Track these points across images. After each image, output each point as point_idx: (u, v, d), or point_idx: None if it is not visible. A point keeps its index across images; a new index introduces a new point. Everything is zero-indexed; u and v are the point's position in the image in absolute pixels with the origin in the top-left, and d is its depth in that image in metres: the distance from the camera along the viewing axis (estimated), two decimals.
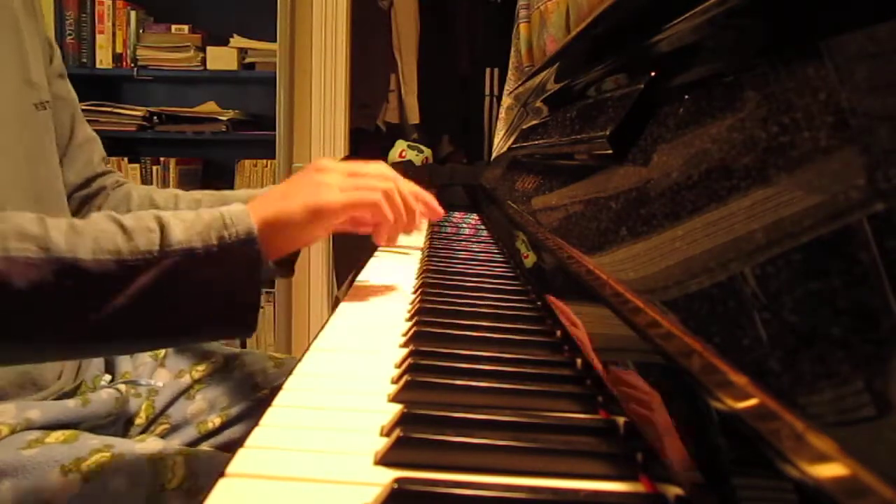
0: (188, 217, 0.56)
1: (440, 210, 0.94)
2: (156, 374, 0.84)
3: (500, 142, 1.80)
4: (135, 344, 0.63)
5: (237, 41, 2.45)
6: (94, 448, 0.61)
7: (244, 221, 0.56)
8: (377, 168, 0.69)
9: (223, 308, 0.56)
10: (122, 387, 0.77)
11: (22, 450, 0.60)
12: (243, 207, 0.57)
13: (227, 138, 2.46)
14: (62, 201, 0.78)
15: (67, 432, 0.64)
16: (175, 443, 0.79)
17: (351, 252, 1.77)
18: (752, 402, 0.24)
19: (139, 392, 0.81)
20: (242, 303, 0.56)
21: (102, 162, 0.92)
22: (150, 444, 0.64)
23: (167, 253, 0.53)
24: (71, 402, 0.70)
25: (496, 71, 2.63)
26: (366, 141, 2.45)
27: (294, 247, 0.63)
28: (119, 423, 0.77)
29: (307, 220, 0.59)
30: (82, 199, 0.88)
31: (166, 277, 0.53)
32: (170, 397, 0.82)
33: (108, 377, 0.81)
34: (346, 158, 2.26)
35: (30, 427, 0.65)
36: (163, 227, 0.54)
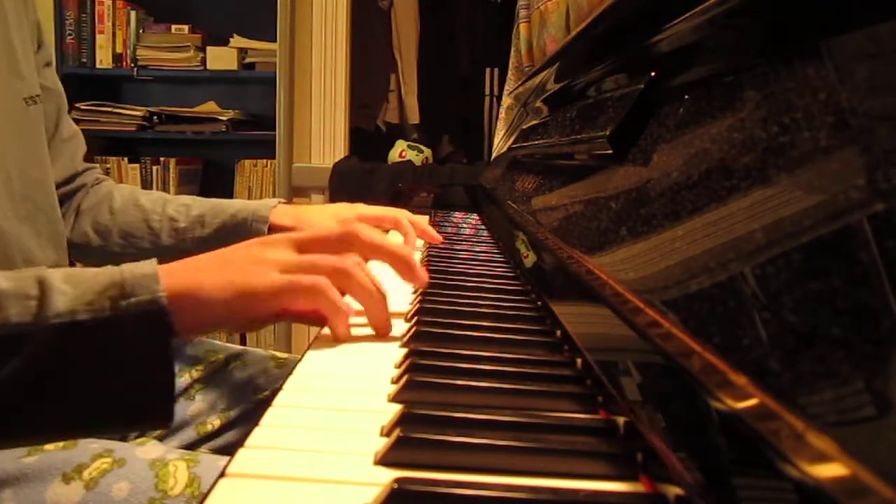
0: (83, 278, 0.46)
1: (434, 235, 0.92)
2: None
3: (500, 142, 1.80)
4: (14, 441, 0.52)
5: (237, 41, 2.45)
6: (95, 453, 0.60)
7: (149, 288, 0.45)
8: (332, 232, 0.57)
9: (122, 396, 0.46)
10: None
11: (22, 458, 0.60)
12: (152, 270, 0.47)
13: (227, 138, 2.46)
14: (53, 201, 0.76)
15: None
16: (173, 444, 0.79)
17: None
18: (752, 402, 0.24)
19: None
20: (148, 388, 0.46)
21: (82, 159, 0.91)
22: (150, 449, 0.63)
23: (44, 327, 0.43)
24: None
25: (496, 71, 2.63)
26: (366, 141, 2.45)
27: (210, 330, 0.53)
28: None
29: (227, 302, 0.48)
30: (62, 197, 0.86)
31: (43, 356, 0.43)
32: None
33: None
34: (348, 157, 2.26)
35: None
36: (43, 293, 0.44)
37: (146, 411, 0.48)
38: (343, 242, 0.56)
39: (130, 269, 0.46)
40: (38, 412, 0.45)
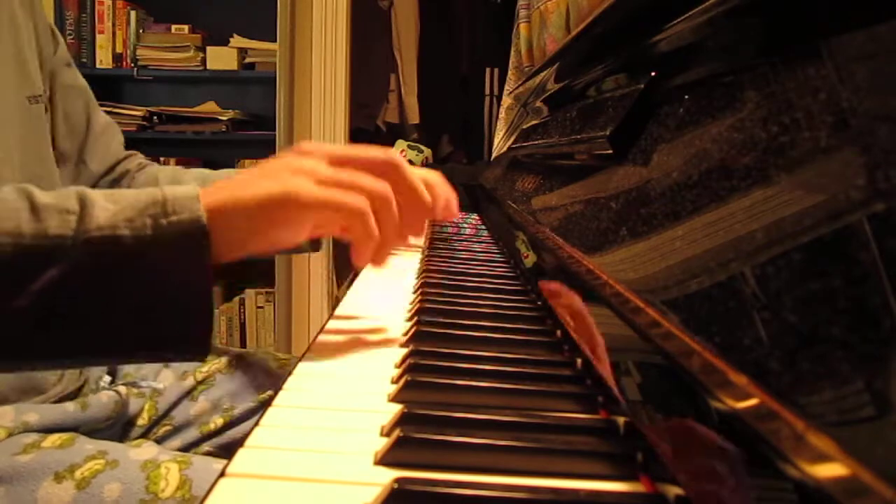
0: (124, 197, 0.45)
1: (456, 211, 0.89)
2: (160, 375, 0.83)
3: (500, 142, 1.80)
4: (50, 361, 0.50)
5: (237, 41, 2.45)
6: (89, 454, 0.60)
7: (189, 207, 0.44)
8: (376, 156, 0.55)
9: (159, 319, 0.44)
10: (123, 389, 0.77)
11: (17, 455, 0.60)
12: (193, 190, 0.46)
13: (227, 138, 2.46)
14: None
15: (64, 436, 0.63)
16: (175, 444, 0.79)
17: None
18: (752, 402, 0.24)
19: (142, 392, 0.80)
20: (185, 312, 0.45)
21: (122, 146, 0.92)
22: (144, 451, 0.63)
23: (84, 241, 0.42)
24: (70, 406, 0.70)
25: (496, 71, 2.63)
26: (366, 141, 2.45)
27: (251, 248, 0.49)
28: (118, 425, 0.76)
29: (268, 211, 0.47)
30: (108, 186, 0.88)
31: (82, 271, 0.42)
32: (173, 399, 0.81)
33: (108, 378, 0.81)
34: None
35: (27, 430, 0.65)
36: (83, 207, 0.44)
37: (180, 338, 0.45)
38: (385, 168, 0.54)
39: (172, 190, 0.45)
40: (74, 327, 0.43)
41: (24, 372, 0.59)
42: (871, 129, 0.27)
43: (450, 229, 1.19)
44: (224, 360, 0.87)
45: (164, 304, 0.44)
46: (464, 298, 0.65)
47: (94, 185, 0.88)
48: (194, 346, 0.46)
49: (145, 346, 0.46)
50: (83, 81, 0.87)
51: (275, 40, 2.22)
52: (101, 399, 0.73)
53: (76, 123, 0.83)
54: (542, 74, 1.15)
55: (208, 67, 2.44)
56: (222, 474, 0.32)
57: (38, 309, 0.42)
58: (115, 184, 0.90)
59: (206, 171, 0.94)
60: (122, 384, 0.79)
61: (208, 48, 2.45)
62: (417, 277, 0.78)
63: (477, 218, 1.36)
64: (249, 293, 2.40)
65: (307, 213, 0.48)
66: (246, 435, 0.36)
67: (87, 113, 0.86)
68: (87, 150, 0.85)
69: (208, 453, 0.79)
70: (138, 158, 0.95)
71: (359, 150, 0.55)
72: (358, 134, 2.40)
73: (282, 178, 0.49)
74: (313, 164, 0.51)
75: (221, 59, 2.44)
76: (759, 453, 0.23)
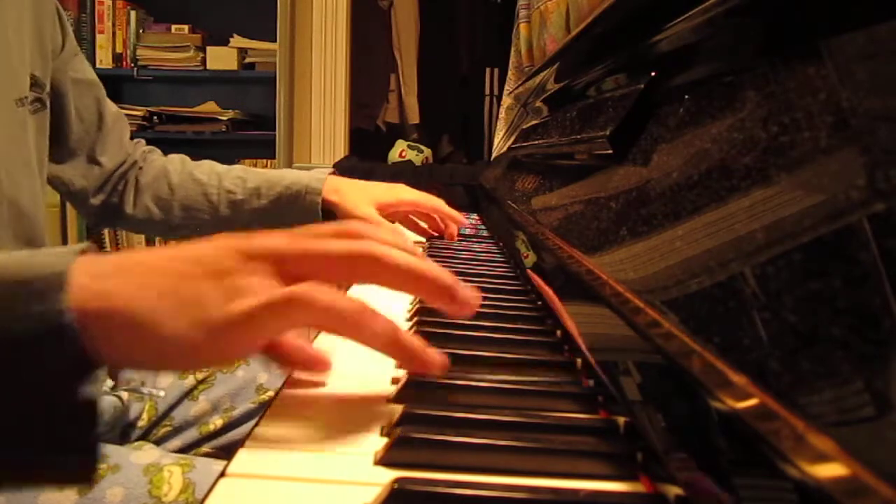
0: None
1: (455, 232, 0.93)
2: (161, 380, 0.83)
3: (500, 142, 1.80)
4: None
5: (237, 41, 2.45)
6: None
7: (52, 298, 0.31)
8: (349, 249, 0.38)
9: (13, 439, 0.33)
10: (124, 394, 0.77)
11: None
12: (61, 268, 0.32)
13: (227, 138, 2.46)
14: (37, 204, 0.74)
15: None
16: (175, 445, 0.78)
17: None
18: (752, 402, 0.24)
19: (142, 396, 0.80)
20: (55, 435, 0.33)
21: (129, 136, 0.93)
22: (146, 454, 0.63)
23: None
24: None
25: (496, 71, 2.63)
26: (366, 141, 2.45)
27: (149, 366, 0.38)
28: (117, 429, 0.76)
29: (172, 354, 0.34)
30: (118, 177, 0.91)
31: None
32: (173, 400, 0.81)
33: (110, 383, 0.80)
34: (348, 157, 2.26)
35: None
36: None
37: (50, 465, 0.33)
38: (361, 264, 0.38)
39: (44, 259, 0.33)
40: None
41: None
42: (871, 129, 0.27)
43: None
44: None
45: (19, 425, 0.32)
46: None
47: (106, 180, 0.88)
48: (71, 478, 0.35)
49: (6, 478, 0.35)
50: (92, 74, 0.86)
51: (275, 40, 2.23)
52: (101, 404, 0.72)
53: (88, 119, 0.83)
54: (542, 74, 1.15)
55: (208, 67, 2.45)
56: (223, 474, 0.32)
57: None
58: (125, 174, 0.91)
59: (218, 166, 0.95)
60: (124, 389, 0.78)
61: (208, 48, 2.45)
62: None
63: (477, 218, 1.36)
64: None
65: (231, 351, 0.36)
66: (246, 434, 0.37)
67: (98, 107, 0.86)
68: (100, 145, 0.85)
69: (208, 454, 0.79)
70: (141, 146, 0.96)
71: (326, 240, 0.39)
72: (358, 134, 2.40)
73: (194, 307, 0.34)
74: (250, 281, 0.36)
75: (221, 59, 2.44)
76: (759, 453, 0.23)
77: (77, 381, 0.32)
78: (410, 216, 1.02)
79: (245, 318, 0.34)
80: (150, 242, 2.56)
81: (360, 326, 0.37)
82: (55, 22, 0.78)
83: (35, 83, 0.73)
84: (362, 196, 0.95)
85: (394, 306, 0.66)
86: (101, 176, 0.88)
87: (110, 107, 0.89)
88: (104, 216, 0.93)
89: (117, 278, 0.34)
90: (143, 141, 0.99)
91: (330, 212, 0.94)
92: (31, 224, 0.72)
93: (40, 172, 0.75)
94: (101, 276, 0.33)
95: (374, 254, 0.38)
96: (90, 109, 0.84)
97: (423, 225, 1.03)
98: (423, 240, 1.02)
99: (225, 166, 0.96)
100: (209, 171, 0.94)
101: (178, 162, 0.96)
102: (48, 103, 0.76)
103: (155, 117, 2.45)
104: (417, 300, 0.65)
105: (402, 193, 0.98)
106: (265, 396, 0.83)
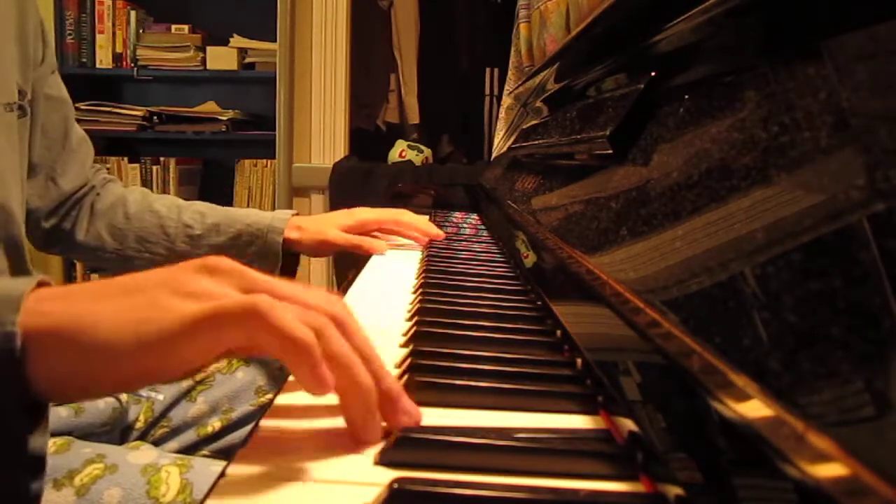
0: None
1: (440, 234, 0.92)
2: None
3: (500, 142, 1.81)
4: None
5: (237, 41, 2.45)
6: (87, 458, 0.59)
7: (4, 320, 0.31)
8: (316, 303, 0.37)
9: None
10: (123, 396, 0.77)
11: None
12: (15, 292, 0.32)
13: (227, 138, 2.46)
14: (15, 207, 0.72)
15: (59, 440, 0.62)
16: (173, 446, 0.78)
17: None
18: (752, 402, 0.24)
19: (141, 399, 0.80)
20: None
21: (92, 161, 0.92)
22: (143, 454, 0.62)
23: None
24: (62, 411, 0.69)
25: (496, 71, 2.63)
26: (366, 141, 2.46)
27: (98, 389, 0.37)
28: (115, 431, 0.76)
29: (131, 349, 0.33)
30: (75, 201, 0.88)
31: None
32: (171, 400, 0.81)
33: None
34: (348, 157, 2.26)
35: None
36: None
37: None
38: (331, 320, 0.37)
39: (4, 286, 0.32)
40: None
41: None
42: (871, 129, 0.27)
43: (449, 229, 1.19)
44: (224, 359, 0.86)
45: None
46: (464, 298, 0.65)
47: (62, 203, 0.87)
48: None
49: None
50: (65, 93, 0.85)
51: (275, 40, 2.23)
52: (98, 405, 0.72)
53: (53, 137, 0.81)
54: (542, 74, 1.15)
55: (208, 67, 2.45)
56: (222, 474, 0.32)
57: None
58: (79, 200, 0.89)
59: (179, 201, 0.93)
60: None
61: (208, 48, 2.45)
62: (417, 277, 0.78)
63: (477, 218, 1.36)
64: None
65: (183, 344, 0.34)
66: (247, 435, 0.37)
67: (65, 126, 0.84)
68: (60, 165, 0.84)
69: (206, 457, 0.78)
70: (102, 173, 0.94)
71: (295, 289, 0.37)
72: (358, 134, 2.40)
73: (142, 311, 0.34)
74: (205, 285, 0.36)
75: (221, 59, 2.44)
76: (759, 453, 0.23)
77: (21, 394, 0.31)
78: (377, 235, 1.02)
79: (197, 319, 0.33)
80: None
81: (299, 365, 0.33)
82: (38, 35, 0.77)
83: (19, 90, 0.72)
84: (324, 224, 0.96)
85: (394, 307, 0.66)
86: (58, 198, 0.86)
87: (77, 129, 0.88)
88: (53, 241, 0.90)
89: (63, 300, 0.34)
90: (103, 168, 0.96)
91: (291, 252, 0.94)
92: (18, 230, 0.72)
93: (23, 178, 0.75)
94: (46, 299, 0.33)
95: (342, 319, 0.36)
96: (57, 127, 0.82)
97: (404, 241, 1.03)
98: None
99: (187, 201, 0.94)
100: (169, 205, 0.92)
101: (138, 193, 0.94)
102: (29, 112, 0.75)
103: (155, 117, 2.45)
104: (417, 300, 0.65)
105: (361, 215, 0.99)
106: (264, 399, 0.82)
